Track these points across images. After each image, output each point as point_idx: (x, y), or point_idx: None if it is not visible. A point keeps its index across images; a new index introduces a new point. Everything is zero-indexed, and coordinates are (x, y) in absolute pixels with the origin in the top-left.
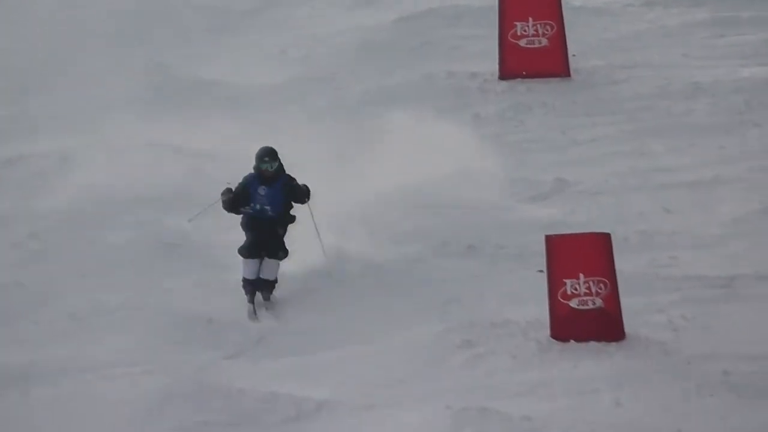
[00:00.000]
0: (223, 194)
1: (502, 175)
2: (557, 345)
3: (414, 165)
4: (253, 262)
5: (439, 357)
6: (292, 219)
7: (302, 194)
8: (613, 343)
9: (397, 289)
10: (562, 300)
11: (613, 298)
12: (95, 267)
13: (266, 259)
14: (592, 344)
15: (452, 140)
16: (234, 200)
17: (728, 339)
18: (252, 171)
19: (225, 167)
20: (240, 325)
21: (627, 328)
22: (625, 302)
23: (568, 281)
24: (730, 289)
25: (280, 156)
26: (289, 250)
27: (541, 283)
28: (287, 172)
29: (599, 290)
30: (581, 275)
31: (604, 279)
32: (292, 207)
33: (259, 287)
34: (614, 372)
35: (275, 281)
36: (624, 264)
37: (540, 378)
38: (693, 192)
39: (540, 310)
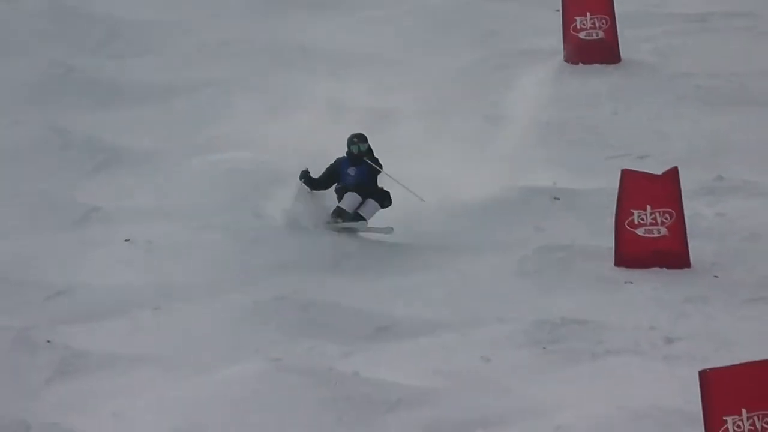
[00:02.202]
0: (301, 177)
1: None
2: (570, 67)
3: None
4: (354, 195)
5: (481, 77)
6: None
7: (378, 167)
8: (612, 65)
9: (447, 28)
10: (573, 33)
11: (612, 30)
12: (223, 3)
13: (370, 199)
14: (596, 66)
15: None
16: (317, 179)
17: (701, 61)
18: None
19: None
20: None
21: (623, 54)
22: (624, 34)
23: (578, 18)
24: (705, 23)
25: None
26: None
27: (557, 20)
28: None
29: (602, 25)
30: (588, 13)
31: (605, 16)
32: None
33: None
34: (613, 88)
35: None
36: (624, 6)
37: (557, 93)
38: None
39: (556, 41)
